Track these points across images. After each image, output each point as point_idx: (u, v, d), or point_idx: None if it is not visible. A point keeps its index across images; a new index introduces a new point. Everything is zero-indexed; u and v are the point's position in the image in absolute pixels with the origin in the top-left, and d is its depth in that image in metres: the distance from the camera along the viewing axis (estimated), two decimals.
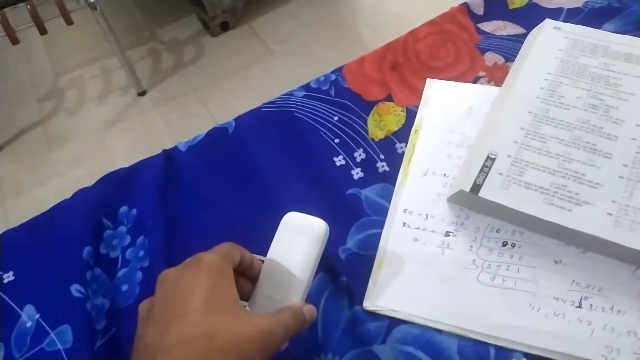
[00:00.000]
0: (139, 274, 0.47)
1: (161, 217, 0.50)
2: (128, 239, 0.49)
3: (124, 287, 0.46)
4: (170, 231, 0.49)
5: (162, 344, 0.30)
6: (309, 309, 0.38)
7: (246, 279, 0.39)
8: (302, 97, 0.58)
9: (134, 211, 0.51)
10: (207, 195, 0.52)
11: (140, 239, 0.49)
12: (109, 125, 1.62)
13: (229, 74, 1.69)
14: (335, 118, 0.55)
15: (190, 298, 0.32)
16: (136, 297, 0.45)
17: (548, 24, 0.55)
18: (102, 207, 0.51)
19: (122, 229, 0.50)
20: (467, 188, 0.44)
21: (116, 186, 0.53)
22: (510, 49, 0.57)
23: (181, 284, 0.34)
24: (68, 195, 0.53)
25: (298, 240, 0.41)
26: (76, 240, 0.48)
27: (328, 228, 0.41)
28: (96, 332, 0.43)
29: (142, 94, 1.67)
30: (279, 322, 0.34)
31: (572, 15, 0.59)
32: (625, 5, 0.59)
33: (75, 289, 0.45)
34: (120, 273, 0.47)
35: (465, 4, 0.63)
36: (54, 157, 1.57)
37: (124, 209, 0.51)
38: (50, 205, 0.53)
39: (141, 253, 0.48)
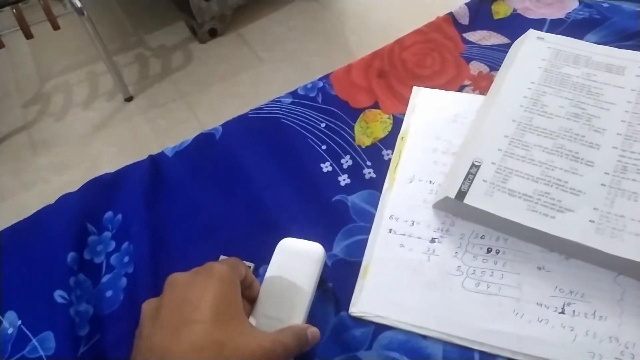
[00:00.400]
0: (124, 280, 0.46)
1: (146, 223, 0.49)
2: (113, 244, 0.49)
3: (108, 293, 0.46)
4: (156, 237, 0.49)
5: (172, 348, 0.31)
6: (313, 332, 0.38)
7: (244, 299, 0.39)
8: (289, 103, 0.58)
9: (119, 216, 0.51)
10: (194, 201, 0.52)
11: (125, 245, 0.48)
12: (95, 131, 1.60)
13: (217, 81, 1.69)
14: (323, 125, 0.56)
15: (201, 305, 0.33)
16: (120, 303, 0.45)
17: (532, 34, 0.57)
18: (86, 212, 0.51)
19: (107, 234, 0.50)
20: (453, 195, 0.44)
21: (101, 191, 0.53)
22: (494, 58, 0.58)
23: (191, 290, 0.34)
24: (52, 201, 0.53)
25: (297, 263, 0.42)
26: (60, 246, 0.47)
27: (324, 251, 0.42)
28: (79, 339, 0.43)
29: (129, 99, 1.66)
30: (281, 342, 0.35)
31: (555, 26, 0.61)
32: (606, 17, 0.60)
33: (59, 295, 0.44)
34: (105, 279, 0.47)
35: (450, 13, 0.64)
36: (39, 162, 1.55)
37: (108, 214, 0.51)
38: (34, 211, 0.52)
39: (126, 259, 0.47)
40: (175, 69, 1.76)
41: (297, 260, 0.42)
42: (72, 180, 0.53)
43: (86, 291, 0.46)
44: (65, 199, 0.52)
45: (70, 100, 1.72)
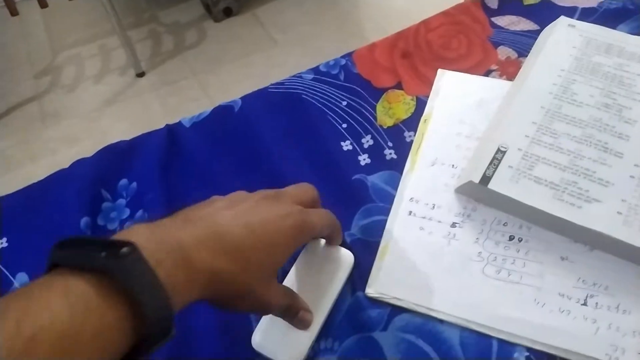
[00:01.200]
0: None
1: (161, 193, 0.49)
2: (127, 212, 0.48)
3: None
4: (170, 207, 0.48)
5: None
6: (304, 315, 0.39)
7: None
8: (310, 79, 0.57)
9: (134, 184, 0.50)
10: (209, 173, 0.51)
11: (139, 213, 0.48)
12: (105, 105, 1.60)
13: (230, 61, 1.68)
14: (344, 103, 0.54)
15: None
16: None
17: (563, 21, 0.55)
18: (101, 178, 0.50)
19: (121, 201, 0.49)
20: (477, 179, 0.43)
21: (116, 158, 0.52)
22: (523, 44, 0.57)
23: (267, 214, 0.34)
24: None
25: (325, 265, 0.42)
26: (73, 210, 0.47)
27: (354, 258, 0.42)
28: None
29: (140, 75, 1.65)
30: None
31: (587, 15, 0.59)
32: (639, 7, 0.58)
33: None
34: None
35: None
36: (48, 134, 1.54)
37: (123, 181, 0.50)
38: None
39: None
40: (188, 47, 1.75)
41: (325, 263, 0.42)
42: (80, 153, 0.52)
43: None
44: (79, 164, 0.52)
45: (82, 73, 1.70)
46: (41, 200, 0.49)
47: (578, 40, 0.53)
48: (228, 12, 1.80)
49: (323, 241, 0.43)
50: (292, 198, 0.37)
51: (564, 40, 0.53)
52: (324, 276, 0.41)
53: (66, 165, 0.52)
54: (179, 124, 0.54)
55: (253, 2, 1.85)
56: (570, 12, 0.60)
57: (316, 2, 1.85)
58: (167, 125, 0.54)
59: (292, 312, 0.37)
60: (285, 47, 1.71)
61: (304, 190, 0.39)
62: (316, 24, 1.77)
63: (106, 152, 0.53)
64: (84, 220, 0.46)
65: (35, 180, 0.51)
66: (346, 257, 0.42)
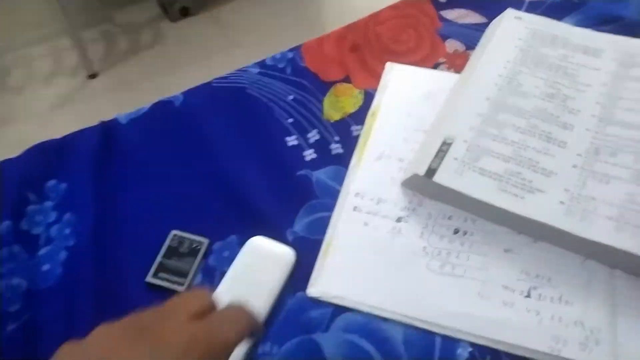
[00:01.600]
0: (63, 253, 0.42)
1: (93, 193, 0.46)
2: (54, 215, 0.45)
3: (45, 267, 0.42)
4: (102, 208, 0.45)
5: None
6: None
7: None
8: (256, 73, 0.55)
9: (64, 185, 0.47)
10: (146, 171, 0.48)
11: (67, 216, 0.44)
12: (55, 108, 1.53)
13: (188, 63, 1.63)
14: (290, 97, 0.53)
15: None
16: (58, 278, 0.41)
17: (509, 13, 0.55)
18: (27, 179, 0.47)
19: (48, 204, 0.45)
20: (422, 172, 0.42)
21: (46, 157, 0.49)
22: (471, 37, 0.56)
23: None
24: None
25: (264, 265, 0.40)
26: None
27: (295, 255, 0.41)
28: (8, 315, 0.39)
29: (93, 76, 1.59)
30: None
31: (534, 8, 0.59)
32: (584, 1, 0.59)
33: None
34: (42, 251, 0.43)
35: None
36: None
37: (52, 182, 0.47)
38: None
39: (67, 230, 0.44)
40: (144, 48, 1.69)
41: (265, 262, 0.40)
42: None
43: (20, 264, 0.42)
44: (5, 164, 0.48)
45: (30, 75, 1.63)
46: None
47: (524, 32, 0.53)
48: (185, 12, 1.75)
49: (262, 239, 0.41)
50: (184, 314, 0.26)
51: (510, 32, 0.53)
52: (263, 276, 0.39)
53: None
54: (115, 120, 0.52)
55: (211, 2, 1.82)
56: (517, 5, 0.60)
57: (277, 2, 1.83)
58: (101, 121, 0.51)
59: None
60: (245, 48, 1.68)
61: (196, 297, 0.28)
62: (278, 25, 1.75)
63: (35, 150, 0.49)
64: (5, 224, 0.43)
65: None
66: (286, 255, 0.40)
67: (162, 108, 0.53)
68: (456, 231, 0.42)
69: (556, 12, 0.58)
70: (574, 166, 0.42)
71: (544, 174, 0.42)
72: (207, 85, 0.55)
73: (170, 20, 1.75)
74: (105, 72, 1.62)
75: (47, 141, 0.50)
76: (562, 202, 0.40)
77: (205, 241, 0.43)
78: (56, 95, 1.56)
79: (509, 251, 0.41)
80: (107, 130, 0.51)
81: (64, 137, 0.50)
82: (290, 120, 0.51)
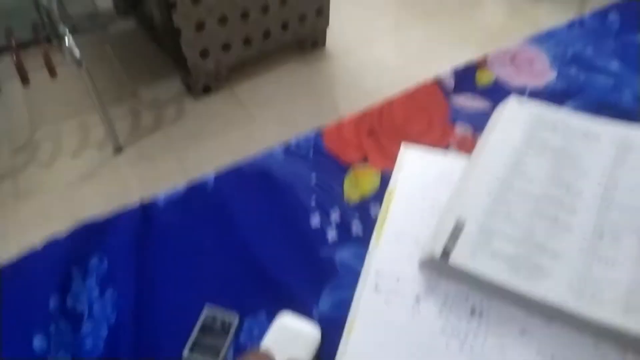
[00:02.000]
0: (105, 330, 0.45)
1: (133, 270, 0.49)
2: (97, 291, 0.48)
3: (88, 343, 0.44)
4: (141, 285, 0.48)
5: None
6: None
7: None
8: (281, 156, 0.60)
9: (105, 263, 0.50)
10: (183, 249, 0.51)
11: (109, 292, 0.48)
12: (81, 180, 1.60)
13: (209, 137, 1.72)
14: (313, 178, 0.57)
15: None
16: (100, 353, 0.44)
17: (513, 99, 0.60)
18: (72, 256, 0.50)
19: (92, 280, 0.49)
20: (437, 255, 0.45)
21: (89, 236, 0.52)
22: (478, 121, 0.61)
23: None
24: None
25: (292, 341, 0.42)
26: (42, 290, 0.46)
27: (320, 333, 0.43)
28: None
29: (118, 150, 1.68)
30: None
31: (535, 94, 0.64)
32: (582, 89, 0.64)
33: (38, 341, 0.43)
34: (86, 327, 0.46)
35: (437, 78, 0.68)
36: (22, 210, 1.52)
37: (94, 260, 0.51)
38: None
39: (109, 307, 0.47)
40: (168, 123, 1.79)
41: (292, 341, 0.42)
42: (53, 229, 0.52)
43: (66, 338, 0.45)
44: (51, 242, 0.52)
45: (59, 149, 1.72)
46: (11, 280, 0.49)
47: (528, 117, 0.58)
48: (207, 90, 1.87)
49: (290, 317, 0.44)
50: None
51: (514, 117, 0.58)
52: (291, 354, 0.41)
53: (38, 242, 0.52)
54: (153, 201, 0.56)
55: (231, 80, 1.93)
56: (520, 91, 0.65)
57: (292, 80, 1.95)
58: (141, 202, 0.56)
59: None
60: (263, 123, 1.77)
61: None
62: (292, 101, 1.85)
63: (79, 229, 0.53)
64: (53, 300, 0.46)
65: (6, 258, 0.51)
66: (313, 334, 0.43)
67: (195, 189, 0.57)
68: (473, 312, 0.44)
69: (557, 98, 0.63)
70: (580, 249, 0.45)
71: (553, 257, 0.44)
72: (237, 167, 0.59)
73: (193, 97, 1.87)
74: (130, 146, 1.71)
75: (90, 220, 0.54)
76: (570, 285, 0.42)
77: (236, 316, 0.45)
78: (83, 168, 1.64)
79: (524, 332, 0.42)
80: (146, 209, 0.55)
81: (106, 216, 0.54)
82: (313, 202, 0.55)
